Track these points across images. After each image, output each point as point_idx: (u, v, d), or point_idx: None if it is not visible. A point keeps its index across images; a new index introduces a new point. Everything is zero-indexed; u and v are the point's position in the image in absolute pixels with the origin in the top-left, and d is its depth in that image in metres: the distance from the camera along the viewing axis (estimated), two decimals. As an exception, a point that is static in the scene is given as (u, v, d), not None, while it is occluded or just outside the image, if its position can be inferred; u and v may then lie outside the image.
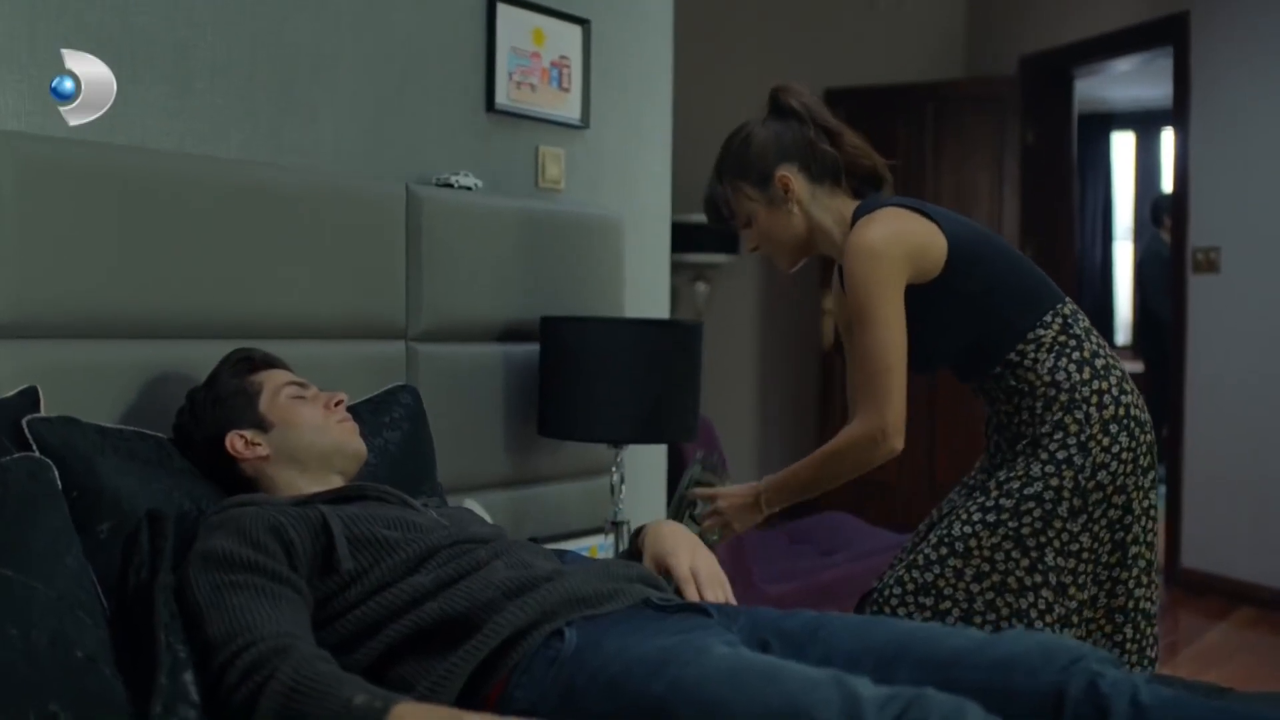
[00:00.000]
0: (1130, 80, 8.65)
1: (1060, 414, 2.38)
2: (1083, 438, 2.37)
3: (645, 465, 3.62)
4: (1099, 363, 2.43)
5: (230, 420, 2.17)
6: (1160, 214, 7.68)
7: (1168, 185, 6.59)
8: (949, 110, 6.69)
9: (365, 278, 2.76)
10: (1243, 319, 5.49)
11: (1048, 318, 2.44)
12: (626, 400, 2.90)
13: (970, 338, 2.45)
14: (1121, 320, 11.47)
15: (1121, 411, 2.39)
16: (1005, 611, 2.37)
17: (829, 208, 2.52)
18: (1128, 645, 2.43)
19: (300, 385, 2.26)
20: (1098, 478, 2.36)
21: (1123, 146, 11.37)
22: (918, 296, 2.38)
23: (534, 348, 3.06)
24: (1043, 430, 2.40)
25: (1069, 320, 2.46)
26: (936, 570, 2.40)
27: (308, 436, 2.19)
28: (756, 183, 2.52)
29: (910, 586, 2.42)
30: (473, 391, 3.00)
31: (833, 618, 1.90)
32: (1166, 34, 5.84)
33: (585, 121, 3.50)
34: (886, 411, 2.35)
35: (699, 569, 2.10)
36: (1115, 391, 2.41)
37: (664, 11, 3.82)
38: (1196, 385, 5.75)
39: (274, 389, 2.22)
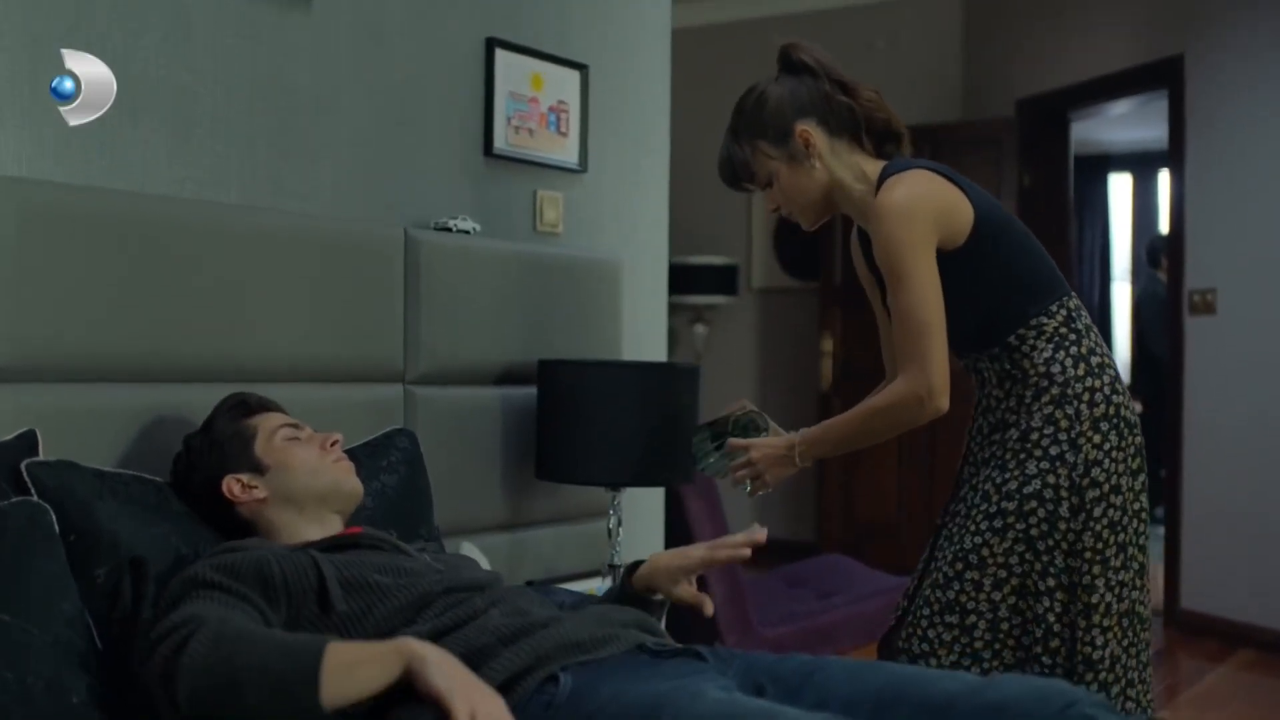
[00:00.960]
0: (1127, 122, 8.70)
1: (1051, 408, 2.37)
2: (1073, 434, 2.36)
3: (643, 508, 3.62)
4: (1094, 360, 2.41)
5: (226, 464, 2.18)
6: (1157, 255, 7.70)
7: (1165, 226, 6.62)
8: (946, 152, 6.70)
9: (363, 321, 2.77)
10: (1240, 361, 5.50)
11: (1053, 307, 2.43)
12: (624, 443, 2.90)
13: (977, 313, 2.43)
14: (1120, 361, 11.48)
15: (1112, 410, 2.39)
16: (1029, 615, 2.36)
17: (849, 164, 2.48)
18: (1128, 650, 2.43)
19: (295, 426, 2.26)
20: (1092, 474, 2.35)
21: (1120, 188, 11.41)
22: (938, 263, 2.35)
23: (532, 391, 3.07)
24: (1033, 424, 2.38)
25: (1072, 314, 2.44)
26: (957, 587, 2.39)
27: (304, 478, 2.19)
28: (775, 140, 2.46)
29: (936, 606, 2.41)
30: (470, 434, 3.00)
31: (828, 661, 1.91)
32: (1161, 77, 5.88)
33: (583, 165, 3.52)
34: (930, 371, 2.31)
35: (703, 547, 2.19)
36: (1107, 390, 2.40)
37: (661, 56, 3.85)
38: (1194, 426, 5.75)
39: (269, 432, 2.22)
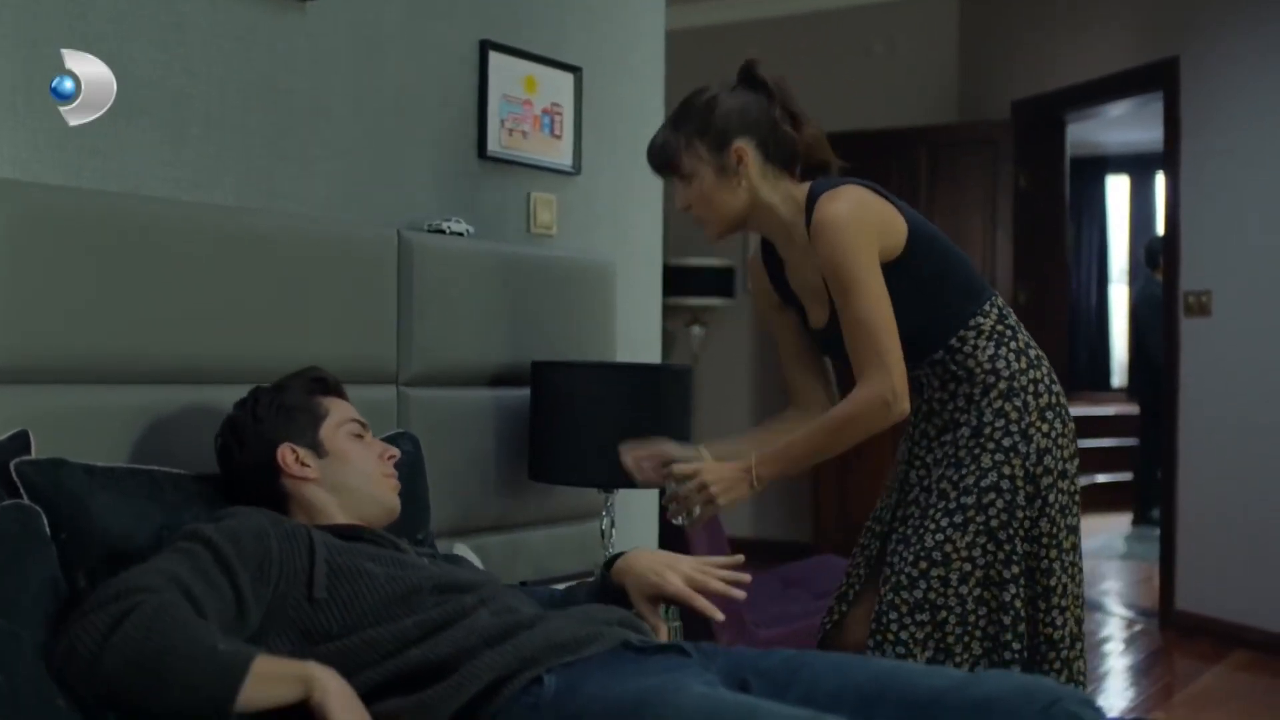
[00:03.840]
0: (1124, 124, 8.72)
1: (1000, 401, 2.44)
2: (1023, 424, 2.43)
3: (636, 509, 3.63)
4: (1032, 353, 2.50)
5: (289, 432, 2.18)
6: (1155, 257, 7.72)
7: (1163, 228, 6.65)
8: (942, 154, 6.74)
9: (357, 323, 2.78)
10: (1235, 362, 5.51)
11: (986, 306, 2.50)
12: (617, 444, 2.90)
13: (919, 321, 2.45)
14: (1117, 363, 11.49)
15: (1054, 400, 2.48)
16: (994, 605, 2.42)
17: (778, 188, 2.50)
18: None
19: (362, 425, 2.28)
20: (1044, 462, 2.43)
21: (1117, 189, 11.42)
22: None
23: (525, 392, 3.07)
24: (984, 419, 2.45)
25: (1003, 311, 2.52)
26: (923, 585, 2.42)
27: (355, 478, 2.20)
28: (712, 146, 2.46)
29: (905, 608, 2.43)
30: (464, 436, 3.01)
31: (812, 656, 1.92)
32: (1156, 79, 5.89)
33: (577, 167, 3.53)
34: (892, 374, 2.34)
35: (692, 577, 2.19)
36: (1048, 381, 2.49)
37: (655, 58, 3.86)
38: (1189, 428, 5.76)
39: (339, 420, 2.24)
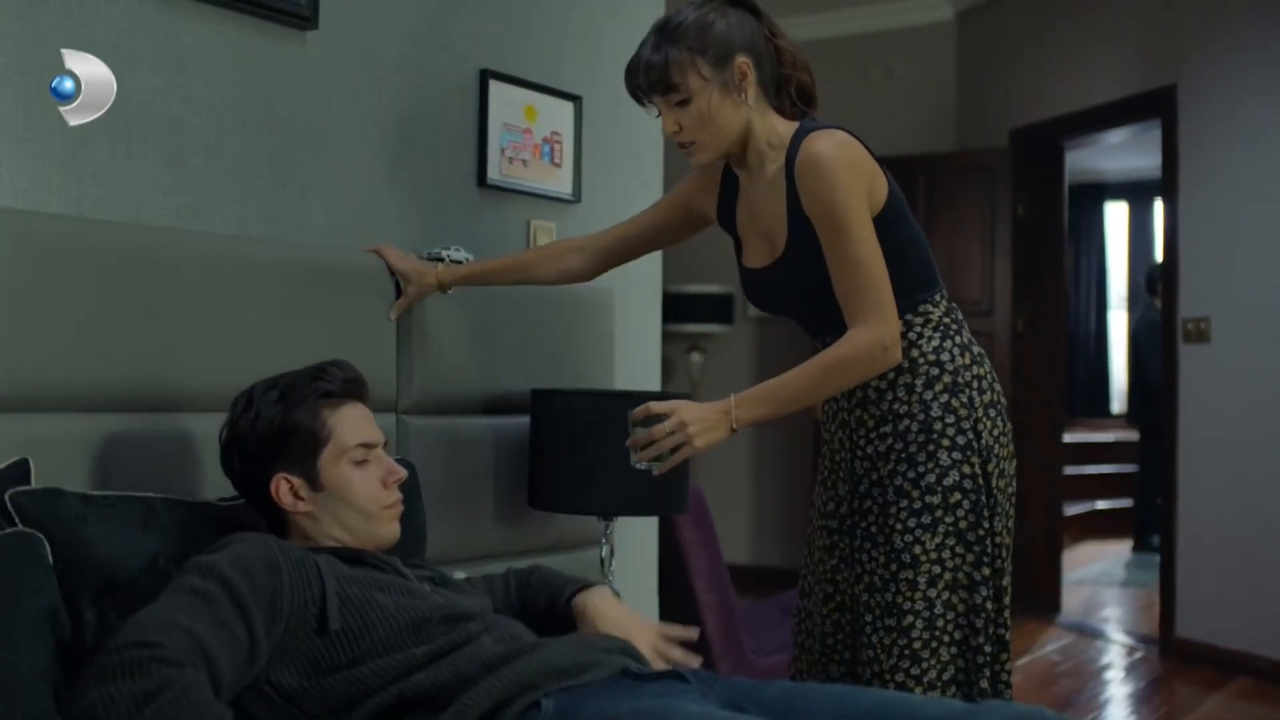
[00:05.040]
0: (1123, 151, 8.74)
1: (946, 396, 2.38)
2: (972, 420, 2.38)
3: (635, 537, 3.62)
4: (975, 350, 2.45)
5: (288, 456, 2.09)
6: (1155, 283, 7.74)
7: (1161, 254, 6.67)
8: (940, 181, 6.76)
9: (356, 350, 2.75)
10: (1234, 389, 5.51)
11: (936, 297, 2.44)
12: (616, 472, 2.90)
13: None
14: (1116, 389, 11.49)
15: (996, 397, 2.43)
16: (961, 609, 2.37)
17: (764, 117, 2.42)
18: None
19: (367, 448, 2.15)
20: (994, 458, 2.40)
21: (1116, 215, 11.44)
22: None
23: (525, 420, 3.07)
24: (932, 414, 2.38)
25: (951, 305, 2.47)
26: (893, 588, 2.38)
27: (352, 515, 2.12)
28: (714, 62, 2.32)
29: (877, 610, 2.39)
30: (463, 464, 3.01)
31: (810, 687, 1.93)
32: (1155, 106, 5.91)
33: (577, 195, 3.54)
34: (890, 320, 2.28)
35: (657, 644, 2.20)
36: (990, 379, 2.44)
37: (655, 87, 3.87)
38: (1189, 455, 5.76)
39: (340, 449, 2.11)
